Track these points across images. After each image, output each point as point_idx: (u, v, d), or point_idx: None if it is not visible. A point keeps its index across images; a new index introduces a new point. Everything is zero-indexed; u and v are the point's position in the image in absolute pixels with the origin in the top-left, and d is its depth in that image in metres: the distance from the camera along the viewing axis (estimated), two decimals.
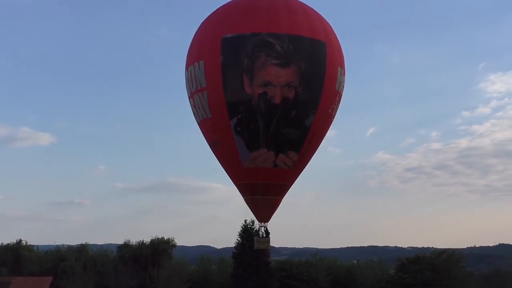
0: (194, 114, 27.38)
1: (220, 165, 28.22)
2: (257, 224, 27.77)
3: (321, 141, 27.31)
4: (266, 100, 24.65)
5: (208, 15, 27.15)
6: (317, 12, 26.69)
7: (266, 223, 27.48)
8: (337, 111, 27.34)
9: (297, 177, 27.54)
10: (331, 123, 27.35)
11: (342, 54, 27.00)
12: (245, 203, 27.70)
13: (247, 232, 71.71)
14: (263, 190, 26.77)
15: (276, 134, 25.27)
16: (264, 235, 27.39)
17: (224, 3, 26.82)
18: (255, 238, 27.50)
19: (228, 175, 27.94)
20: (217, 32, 25.42)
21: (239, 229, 72.24)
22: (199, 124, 27.58)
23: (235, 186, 27.96)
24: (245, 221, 72.02)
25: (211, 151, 28.05)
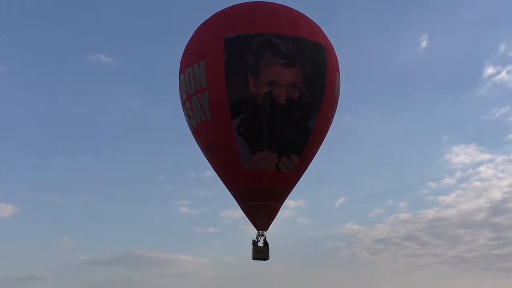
0: (189, 118, 26.43)
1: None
2: (255, 233, 26.62)
3: (319, 146, 26.97)
4: (271, 100, 24.31)
5: (206, 19, 27.07)
6: (314, 20, 27.22)
7: (265, 232, 26.52)
8: (334, 117, 27.36)
9: (297, 182, 26.91)
10: (329, 128, 27.18)
11: (338, 60, 27.36)
12: (242, 212, 26.70)
13: None
14: (264, 196, 25.94)
15: (280, 135, 24.81)
16: (263, 244, 26.36)
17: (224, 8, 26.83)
18: (253, 247, 26.32)
19: (225, 181, 26.92)
20: (219, 33, 25.14)
21: None
22: (193, 129, 26.64)
23: (229, 196, 26.96)
24: None
25: (205, 158, 27.15)
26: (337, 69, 26.77)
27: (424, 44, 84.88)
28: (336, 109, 27.13)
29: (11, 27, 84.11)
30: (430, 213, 76.57)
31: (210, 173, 67.54)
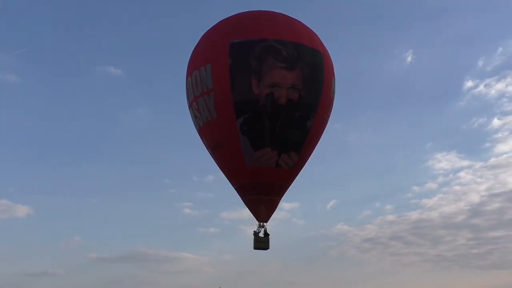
0: (196, 118, 28.15)
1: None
2: (256, 224, 28.46)
3: (316, 145, 28.85)
4: (272, 100, 26.10)
5: (210, 27, 28.92)
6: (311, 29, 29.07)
7: (265, 224, 28.34)
8: (329, 118, 29.23)
9: (295, 178, 28.73)
10: (324, 128, 29.06)
11: (333, 66, 29.23)
12: (245, 205, 28.51)
13: None
14: (266, 190, 27.77)
15: (281, 134, 26.62)
16: (263, 235, 28.17)
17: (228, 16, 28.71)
18: (255, 238, 28.12)
19: (229, 177, 28.68)
20: (224, 38, 26.96)
21: None
22: (200, 129, 28.40)
23: (233, 189, 28.77)
24: None
25: (210, 156, 28.93)
26: (332, 74, 28.70)
27: (409, 59, 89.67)
28: (331, 110, 29.01)
29: (28, 41, 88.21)
30: (414, 215, 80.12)
31: (212, 177, 70.19)
